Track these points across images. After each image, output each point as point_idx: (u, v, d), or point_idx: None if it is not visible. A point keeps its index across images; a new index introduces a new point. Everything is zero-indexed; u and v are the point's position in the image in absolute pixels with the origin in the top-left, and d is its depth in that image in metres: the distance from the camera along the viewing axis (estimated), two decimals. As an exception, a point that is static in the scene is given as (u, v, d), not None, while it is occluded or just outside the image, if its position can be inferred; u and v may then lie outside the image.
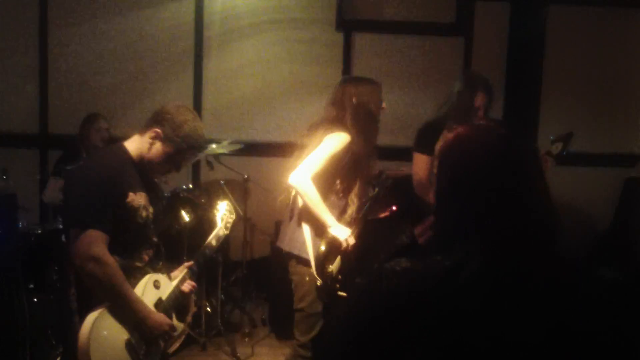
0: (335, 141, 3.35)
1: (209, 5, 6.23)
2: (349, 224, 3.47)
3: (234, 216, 3.49)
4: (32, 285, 4.37)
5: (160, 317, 2.82)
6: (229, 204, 3.50)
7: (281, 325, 4.93)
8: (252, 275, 5.51)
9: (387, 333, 1.27)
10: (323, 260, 3.38)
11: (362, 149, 3.44)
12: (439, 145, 3.91)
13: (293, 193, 3.47)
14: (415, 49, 6.39)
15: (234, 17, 6.20)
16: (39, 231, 4.57)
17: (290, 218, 3.52)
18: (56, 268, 4.40)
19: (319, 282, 3.36)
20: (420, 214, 4.08)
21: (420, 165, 4.09)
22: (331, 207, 3.41)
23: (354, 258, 3.52)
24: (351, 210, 3.51)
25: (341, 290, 3.45)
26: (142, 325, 2.75)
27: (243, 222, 5.30)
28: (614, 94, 6.41)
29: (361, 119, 3.44)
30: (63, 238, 4.14)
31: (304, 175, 3.28)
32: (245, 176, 5.23)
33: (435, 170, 3.85)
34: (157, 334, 2.81)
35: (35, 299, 4.26)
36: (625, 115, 6.44)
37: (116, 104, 6.10)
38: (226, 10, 6.20)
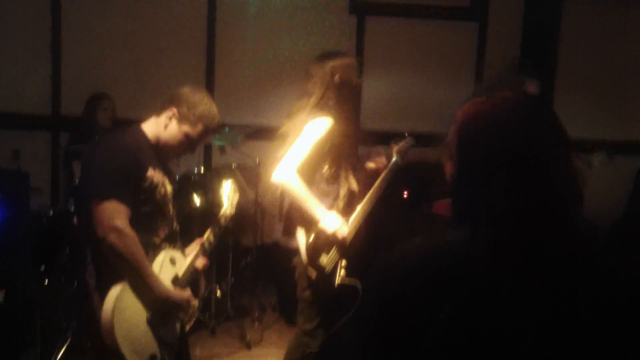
0: (317, 129, 3.22)
1: (222, -12, 6.20)
2: (345, 209, 3.38)
3: (238, 195, 3.47)
4: (42, 267, 4.36)
5: (178, 292, 2.86)
6: (233, 182, 3.47)
7: (291, 311, 4.89)
8: (262, 260, 5.47)
9: (403, 312, 1.27)
10: (314, 253, 3.28)
11: (347, 129, 3.32)
12: None
13: (280, 189, 3.35)
14: (428, 33, 6.34)
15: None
16: (51, 213, 4.57)
17: (281, 213, 3.45)
18: (67, 250, 4.41)
19: (313, 275, 3.29)
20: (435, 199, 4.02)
21: None
22: (322, 194, 3.31)
23: (359, 246, 3.44)
24: (344, 192, 3.38)
25: (347, 278, 3.40)
26: (161, 301, 2.78)
27: (254, 206, 5.28)
28: (629, 82, 6.36)
29: (345, 97, 3.31)
30: (74, 220, 4.15)
31: (288, 170, 3.17)
32: (257, 160, 5.19)
33: None
34: (175, 309, 2.85)
35: (46, 281, 4.27)
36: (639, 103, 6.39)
37: (128, 86, 6.09)
38: (239, -7, 6.17)
